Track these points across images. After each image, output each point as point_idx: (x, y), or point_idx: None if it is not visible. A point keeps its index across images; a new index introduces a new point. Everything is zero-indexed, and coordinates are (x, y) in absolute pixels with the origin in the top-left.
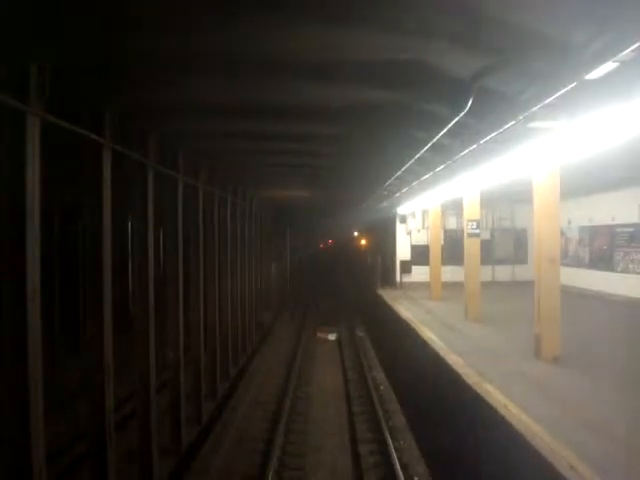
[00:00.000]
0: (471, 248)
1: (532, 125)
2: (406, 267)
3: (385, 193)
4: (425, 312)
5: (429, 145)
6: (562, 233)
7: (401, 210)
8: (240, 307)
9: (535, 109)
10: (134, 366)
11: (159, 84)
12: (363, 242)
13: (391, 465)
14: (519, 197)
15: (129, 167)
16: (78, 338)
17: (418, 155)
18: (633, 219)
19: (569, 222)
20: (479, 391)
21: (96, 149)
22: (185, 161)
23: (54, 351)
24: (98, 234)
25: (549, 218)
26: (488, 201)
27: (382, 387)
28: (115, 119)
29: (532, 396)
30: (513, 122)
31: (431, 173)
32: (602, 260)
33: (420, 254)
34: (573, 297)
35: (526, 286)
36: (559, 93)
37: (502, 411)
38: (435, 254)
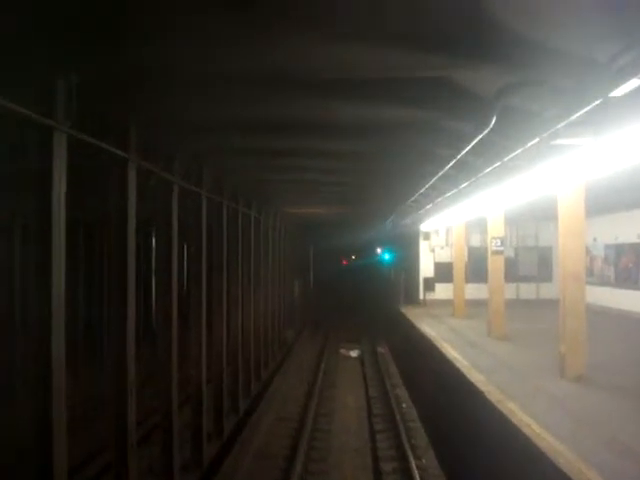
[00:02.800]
0: (495, 265)
1: (557, 142)
2: (429, 284)
3: (409, 210)
4: (448, 330)
5: (453, 162)
6: (587, 251)
7: (424, 227)
8: (263, 324)
9: (559, 126)
10: (157, 382)
11: (185, 100)
12: (386, 258)
13: None
14: (544, 214)
15: (154, 183)
16: (102, 354)
17: (442, 172)
18: None
19: (594, 240)
20: (502, 409)
21: (122, 165)
22: (210, 177)
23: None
24: (122, 250)
25: (574, 236)
26: (512, 218)
27: (404, 405)
28: (141, 134)
29: (555, 415)
30: (537, 139)
31: (455, 190)
32: (628, 278)
33: (443, 271)
34: (599, 316)
35: (551, 304)
36: (584, 110)
37: (525, 430)
38: (458, 271)
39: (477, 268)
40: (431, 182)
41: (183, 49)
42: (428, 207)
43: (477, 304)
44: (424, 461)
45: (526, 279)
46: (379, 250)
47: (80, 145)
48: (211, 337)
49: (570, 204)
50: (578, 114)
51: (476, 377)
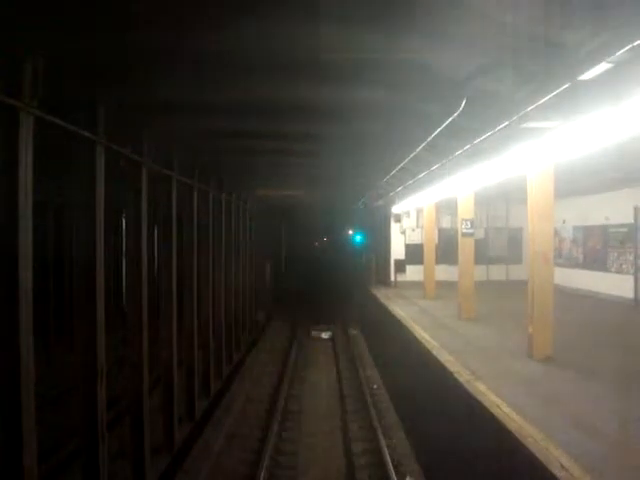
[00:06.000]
0: (465, 247)
1: (526, 125)
2: (400, 266)
3: (380, 192)
4: (418, 311)
5: (423, 145)
6: (556, 233)
7: (395, 209)
8: (234, 307)
9: (529, 109)
10: (127, 364)
11: (154, 81)
12: (358, 240)
13: (383, 463)
14: (514, 196)
15: (123, 164)
16: (71, 337)
17: (413, 154)
18: (627, 220)
19: (563, 222)
20: (471, 390)
21: (89, 146)
22: (180, 159)
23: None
24: (91, 232)
25: (543, 217)
26: (483, 200)
27: (375, 385)
28: (109, 116)
29: (523, 395)
30: (507, 122)
31: (426, 172)
32: (596, 260)
33: (414, 253)
34: (567, 297)
35: (520, 285)
36: (553, 94)
37: (494, 410)
38: (429, 253)
39: (447, 250)
40: (402, 164)
41: (151, 30)
42: (399, 189)
43: (447, 286)
44: (394, 441)
45: (496, 260)
46: (351, 232)
47: (47, 126)
48: (182, 321)
49: (539, 186)
50: (547, 97)
51: (445, 358)
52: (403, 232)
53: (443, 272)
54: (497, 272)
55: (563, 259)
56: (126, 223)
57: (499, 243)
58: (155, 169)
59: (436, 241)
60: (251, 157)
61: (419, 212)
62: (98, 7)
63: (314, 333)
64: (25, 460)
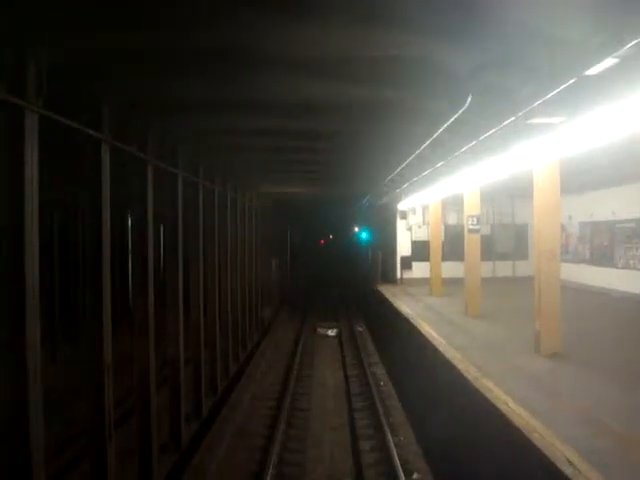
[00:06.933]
0: (471, 244)
1: (532, 121)
2: (406, 263)
3: (385, 189)
4: (425, 308)
5: (429, 141)
6: (563, 228)
7: (401, 206)
8: (240, 303)
9: (535, 105)
10: (133, 362)
11: (158, 80)
12: (364, 238)
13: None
14: (520, 192)
15: (128, 162)
16: (78, 335)
17: (418, 151)
18: (634, 215)
19: (570, 217)
20: (478, 386)
21: (95, 144)
22: (185, 157)
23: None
24: (97, 230)
25: (549, 213)
26: (489, 196)
27: (382, 383)
28: (114, 114)
29: (530, 392)
30: (513, 118)
31: (431, 169)
32: (603, 256)
33: (420, 250)
34: (574, 293)
35: (527, 282)
36: (558, 89)
37: (501, 406)
38: (435, 250)
39: (454, 246)
40: (408, 161)
41: (153, 29)
42: (405, 186)
43: (454, 282)
44: (402, 438)
45: (502, 256)
46: (356, 229)
47: (52, 125)
48: (189, 317)
49: (545, 182)
50: (553, 93)
51: (453, 355)
52: (409, 229)
53: (450, 269)
54: (503, 268)
55: (570, 255)
56: (132, 221)
57: (505, 239)
58: (160, 166)
59: (442, 238)
60: (256, 155)
61: (425, 209)
62: (102, 6)
63: (320, 330)
64: (33, 461)
